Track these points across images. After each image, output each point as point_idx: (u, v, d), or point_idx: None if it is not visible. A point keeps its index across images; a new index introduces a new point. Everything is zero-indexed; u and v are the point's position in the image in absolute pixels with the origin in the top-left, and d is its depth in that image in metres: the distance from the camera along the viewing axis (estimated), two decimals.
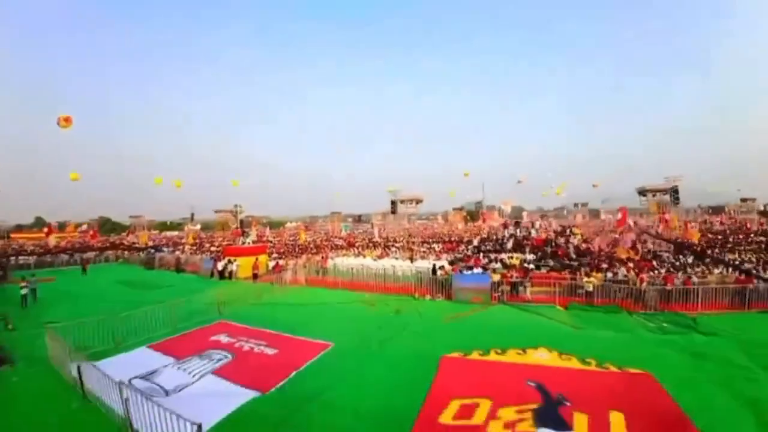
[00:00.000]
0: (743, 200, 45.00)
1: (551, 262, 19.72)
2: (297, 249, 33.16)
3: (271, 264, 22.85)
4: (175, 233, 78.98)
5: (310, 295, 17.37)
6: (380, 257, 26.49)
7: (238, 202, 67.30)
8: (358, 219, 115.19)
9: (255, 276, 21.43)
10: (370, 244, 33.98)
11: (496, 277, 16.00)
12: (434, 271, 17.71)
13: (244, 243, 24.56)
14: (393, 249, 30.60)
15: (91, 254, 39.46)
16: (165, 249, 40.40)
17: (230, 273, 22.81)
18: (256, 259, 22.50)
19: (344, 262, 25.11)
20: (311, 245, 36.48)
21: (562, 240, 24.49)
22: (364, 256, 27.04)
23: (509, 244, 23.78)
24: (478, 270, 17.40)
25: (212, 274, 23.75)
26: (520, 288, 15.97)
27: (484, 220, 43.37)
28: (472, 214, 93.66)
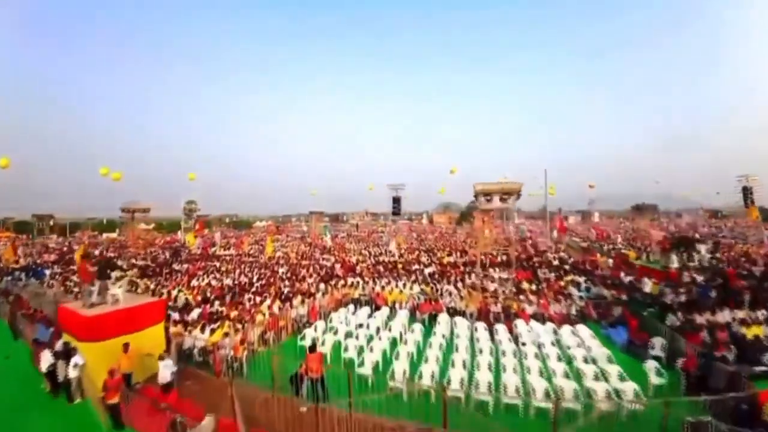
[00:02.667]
0: None
1: None
2: (258, 274, 18.33)
3: (166, 372, 7.64)
4: (113, 235, 61.05)
5: None
6: (426, 310, 12.37)
7: (192, 198, 50.70)
8: (336, 219, 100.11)
9: (111, 407, 6.74)
10: (379, 266, 19.77)
11: None
12: None
13: (109, 298, 9.24)
14: (423, 277, 16.62)
15: None
16: (47, 271, 24.28)
17: (68, 383, 7.95)
18: (126, 349, 7.86)
19: (354, 323, 10.89)
20: (282, 264, 21.77)
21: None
22: (389, 305, 12.86)
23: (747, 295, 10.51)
24: None
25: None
26: None
27: (562, 229, 28.51)
28: (464, 215, 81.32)
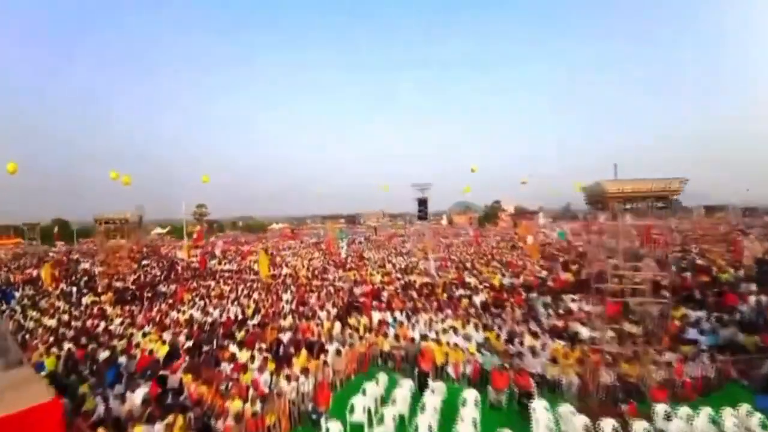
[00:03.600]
0: None
1: None
2: (255, 303, 14.15)
3: None
4: (122, 242, 58.36)
5: None
6: (502, 386, 7.78)
7: (202, 202, 47.29)
8: (352, 220, 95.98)
9: None
10: (411, 290, 15.28)
11: None
12: None
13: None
14: (474, 310, 12.01)
15: None
16: (17, 294, 20.82)
17: None
18: None
19: (392, 416, 6.40)
20: (288, 285, 17.58)
21: None
22: (438, 366, 8.34)
23: None
24: None
25: None
26: None
27: (647, 239, 20.74)
28: (488, 216, 75.97)
